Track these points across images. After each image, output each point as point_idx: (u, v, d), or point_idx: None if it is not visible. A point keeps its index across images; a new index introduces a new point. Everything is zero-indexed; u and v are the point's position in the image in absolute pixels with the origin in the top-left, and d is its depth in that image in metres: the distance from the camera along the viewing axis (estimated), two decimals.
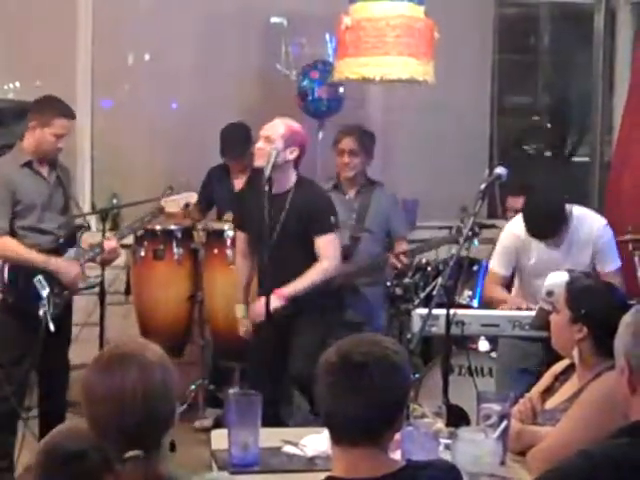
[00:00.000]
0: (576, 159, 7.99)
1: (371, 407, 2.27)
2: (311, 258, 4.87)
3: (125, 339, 2.36)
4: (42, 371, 5.18)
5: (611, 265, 4.92)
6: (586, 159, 7.48)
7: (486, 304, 5.27)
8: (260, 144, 4.83)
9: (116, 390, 2.15)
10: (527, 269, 4.98)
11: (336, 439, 2.33)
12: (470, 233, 5.06)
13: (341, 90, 6.54)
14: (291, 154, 4.84)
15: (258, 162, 4.81)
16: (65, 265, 4.97)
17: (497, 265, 5.10)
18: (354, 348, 2.32)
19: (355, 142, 5.86)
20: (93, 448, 2.37)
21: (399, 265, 5.66)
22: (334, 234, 4.93)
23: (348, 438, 2.30)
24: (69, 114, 4.96)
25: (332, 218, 4.93)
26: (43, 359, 5.12)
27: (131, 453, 2.13)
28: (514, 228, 5.02)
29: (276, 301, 4.74)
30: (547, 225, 4.76)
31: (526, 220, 4.80)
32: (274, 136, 4.79)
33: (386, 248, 5.95)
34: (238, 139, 6.27)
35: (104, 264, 5.29)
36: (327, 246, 4.88)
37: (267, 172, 4.63)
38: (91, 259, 5.14)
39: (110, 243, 5.13)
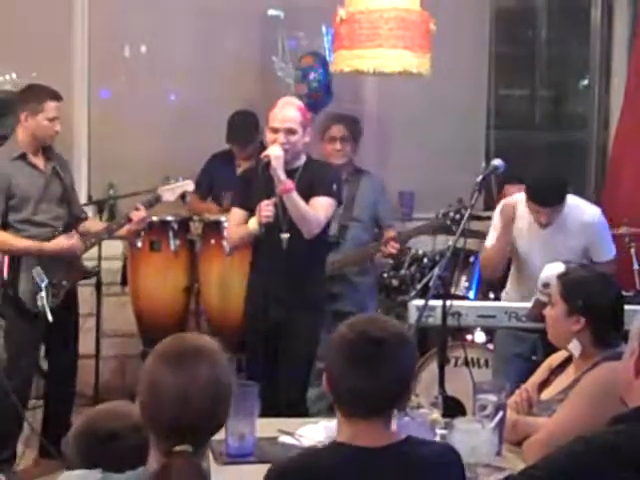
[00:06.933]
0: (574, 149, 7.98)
1: (388, 381, 2.36)
2: (316, 241, 4.73)
3: (188, 333, 2.34)
4: (49, 362, 5.22)
5: (607, 255, 4.90)
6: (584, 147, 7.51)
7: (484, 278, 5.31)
8: (281, 138, 4.62)
9: (186, 388, 2.13)
10: (520, 248, 4.94)
11: (347, 413, 2.41)
12: (458, 216, 5.09)
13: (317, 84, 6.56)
14: (307, 136, 4.75)
15: (295, 161, 4.69)
16: (60, 242, 4.97)
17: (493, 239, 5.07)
18: (368, 325, 2.41)
19: (345, 129, 5.85)
20: (130, 429, 2.42)
21: (392, 251, 5.57)
22: (332, 200, 4.74)
23: (361, 412, 2.39)
24: (57, 96, 5.00)
25: (334, 186, 4.75)
26: (50, 350, 5.16)
27: (181, 447, 2.12)
28: (510, 200, 4.95)
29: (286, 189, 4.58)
30: (554, 190, 4.68)
31: (533, 183, 4.73)
32: (296, 126, 4.66)
33: (375, 237, 5.90)
34: (247, 126, 6.29)
35: (130, 236, 5.37)
36: (317, 206, 4.68)
37: (282, 176, 4.54)
38: (117, 229, 5.16)
39: (139, 213, 5.14)
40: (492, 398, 3.23)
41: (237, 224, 4.87)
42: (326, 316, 5.43)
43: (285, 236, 4.62)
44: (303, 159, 4.78)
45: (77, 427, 2.54)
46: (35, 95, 4.96)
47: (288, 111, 4.71)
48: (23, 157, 4.97)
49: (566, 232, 4.73)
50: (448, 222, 5.24)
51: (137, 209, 5.18)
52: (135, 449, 2.32)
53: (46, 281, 4.90)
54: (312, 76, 6.63)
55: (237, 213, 4.89)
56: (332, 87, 6.63)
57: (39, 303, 4.87)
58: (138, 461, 2.21)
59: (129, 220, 5.15)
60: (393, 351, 2.37)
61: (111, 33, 6.83)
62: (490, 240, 5.00)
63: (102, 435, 2.46)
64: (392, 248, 5.54)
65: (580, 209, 4.83)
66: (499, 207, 4.99)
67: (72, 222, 5.13)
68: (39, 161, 5.03)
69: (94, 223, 5.50)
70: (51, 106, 4.94)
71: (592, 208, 4.93)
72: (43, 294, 4.87)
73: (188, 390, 2.13)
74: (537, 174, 4.84)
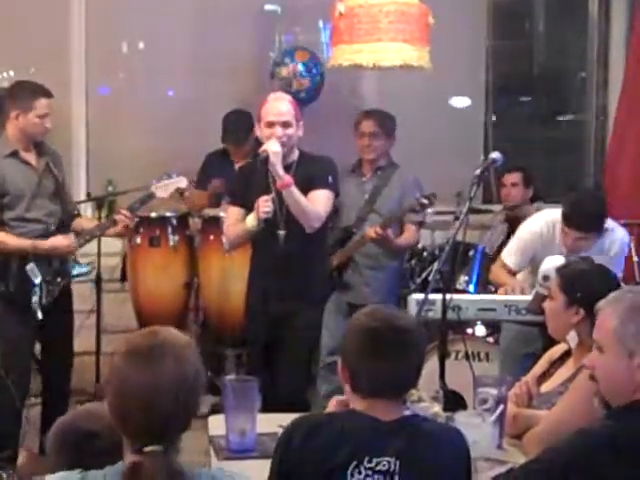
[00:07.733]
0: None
1: (409, 367, 2.53)
2: (313, 236, 4.72)
3: (157, 327, 2.25)
4: (44, 360, 5.21)
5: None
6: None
7: (489, 284, 5.32)
8: (279, 131, 4.61)
9: (152, 386, 2.09)
10: None
11: (365, 395, 2.53)
12: (428, 202, 5.21)
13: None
14: (300, 129, 4.73)
15: (289, 155, 4.67)
16: (56, 241, 4.95)
17: (511, 260, 5.00)
18: (389, 314, 2.56)
19: (375, 124, 5.79)
20: (106, 429, 2.39)
21: (372, 235, 5.51)
22: (329, 191, 4.74)
23: (379, 394, 2.51)
24: (47, 93, 4.95)
25: (330, 178, 4.74)
26: (44, 348, 5.14)
27: (151, 448, 2.10)
28: (534, 226, 4.94)
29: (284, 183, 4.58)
30: (595, 217, 4.64)
31: (575, 208, 4.65)
32: (291, 119, 4.65)
33: (394, 232, 5.73)
34: (241, 126, 6.28)
35: (122, 234, 5.39)
36: (315, 199, 4.67)
37: (280, 171, 4.54)
38: (109, 226, 5.15)
39: (122, 218, 5.11)
40: (492, 391, 3.24)
41: (235, 222, 4.86)
42: (342, 307, 5.48)
43: (282, 233, 4.62)
44: (296, 153, 4.77)
45: (57, 426, 2.55)
46: (26, 92, 4.92)
47: (281, 105, 4.70)
48: (15, 154, 4.94)
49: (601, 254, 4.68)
50: (416, 209, 5.39)
51: (119, 213, 5.14)
52: (114, 448, 2.27)
53: (40, 278, 4.89)
54: (314, 70, 6.65)
55: (235, 212, 4.87)
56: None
57: (33, 300, 4.86)
58: (117, 459, 2.20)
59: (115, 223, 5.14)
60: (415, 338, 2.52)
61: (109, 30, 6.83)
62: (510, 257, 5.00)
63: (81, 435, 2.45)
64: (371, 232, 5.52)
65: (612, 234, 4.83)
66: (525, 230, 5.01)
67: (65, 219, 5.12)
68: (31, 157, 5.00)
69: (86, 220, 5.49)
70: (42, 103, 4.90)
71: (622, 233, 4.93)
72: (37, 291, 4.87)
73: (153, 389, 2.09)
74: (575, 197, 4.79)
